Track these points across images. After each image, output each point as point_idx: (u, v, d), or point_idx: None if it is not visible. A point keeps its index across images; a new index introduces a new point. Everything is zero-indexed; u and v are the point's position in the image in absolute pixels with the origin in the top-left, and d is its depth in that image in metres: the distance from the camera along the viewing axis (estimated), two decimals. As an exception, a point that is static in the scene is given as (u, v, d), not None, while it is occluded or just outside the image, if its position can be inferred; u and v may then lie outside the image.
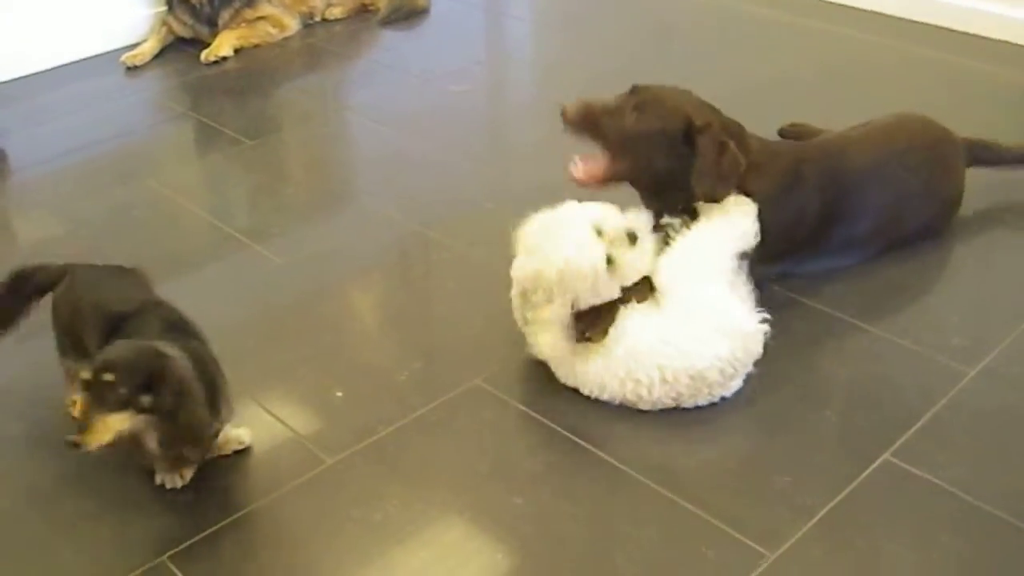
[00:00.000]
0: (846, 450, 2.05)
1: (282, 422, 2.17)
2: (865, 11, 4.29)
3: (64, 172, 3.29)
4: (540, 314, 2.15)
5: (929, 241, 2.66)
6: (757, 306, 2.16)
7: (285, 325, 2.49)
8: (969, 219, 2.75)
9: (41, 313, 2.16)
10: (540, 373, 2.22)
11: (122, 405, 1.77)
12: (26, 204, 3.16)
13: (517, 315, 2.26)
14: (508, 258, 2.58)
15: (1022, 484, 1.97)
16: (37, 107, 3.76)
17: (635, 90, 2.36)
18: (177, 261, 2.70)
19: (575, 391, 2.18)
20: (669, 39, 4.17)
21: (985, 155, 2.79)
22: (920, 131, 2.67)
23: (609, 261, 2.10)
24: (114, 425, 1.77)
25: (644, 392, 2.09)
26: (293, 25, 4.29)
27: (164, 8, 4.20)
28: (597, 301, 2.13)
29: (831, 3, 4.39)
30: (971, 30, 4.04)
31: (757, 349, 2.13)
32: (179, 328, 1.99)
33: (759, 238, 2.26)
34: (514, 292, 2.24)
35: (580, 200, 2.20)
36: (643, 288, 2.15)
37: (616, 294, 2.14)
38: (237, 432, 2.07)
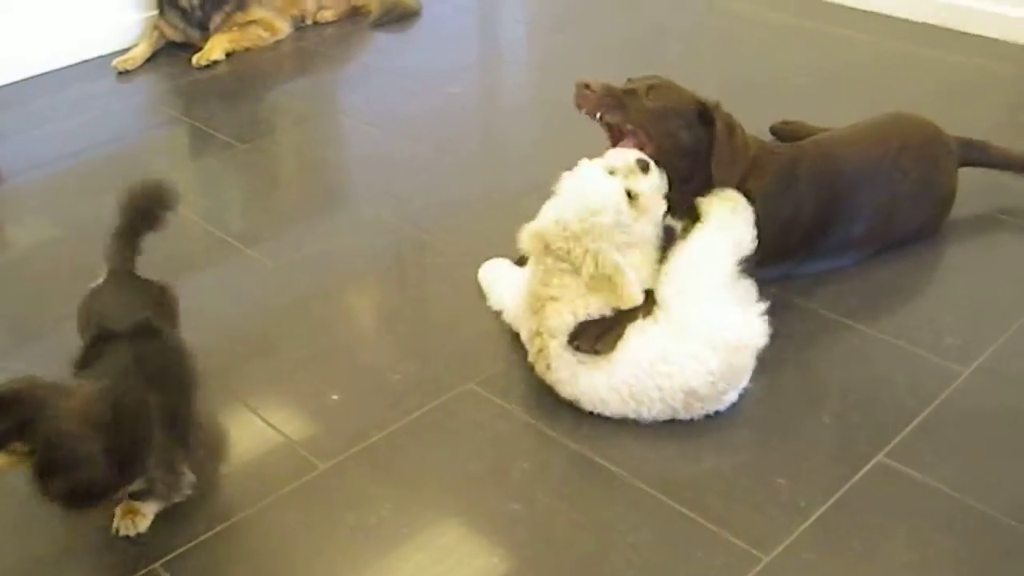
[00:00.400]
0: (841, 452, 2.05)
1: (275, 428, 2.16)
2: (860, 10, 4.29)
3: (57, 177, 3.29)
4: (563, 286, 2.12)
5: (923, 241, 2.67)
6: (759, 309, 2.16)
7: (279, 329, 2.48)
8: (962, 219, 2.75)
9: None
10: (535, 378, 2.22)
11: None
12: (20, 209, 3.16)
13: (525, 334, 2.25)
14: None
15: (1015, 483, 1.97)
16: (30, 112, 3.76)
17: (634, 80, 2.38)
18: (170, 265, 2.67)
19: (571, 397, 2.18)
20: (663, 40, 4.16)
21: (977, 156, 2.79)
22: (913, 131, 2.67)
23: (629, 195, 2.11)
24: None
25: (644, 411, 2.09)
26: (284, 28, 4.29)
27: (155, 12, 4.20)
28: (628, 246, 2.12)
29: (825, 3, 4.39)
30: (967, 28, 4.04)
31: (749, 364, 2.12)
32: (150, 366, 1.83)
33: (757, 242, 2.27)
34: (526, 290, 2.21)
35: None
36: (648, 304, 2.14)
37: (648, 235, 2.16)
38: (140, 511, 1.90)
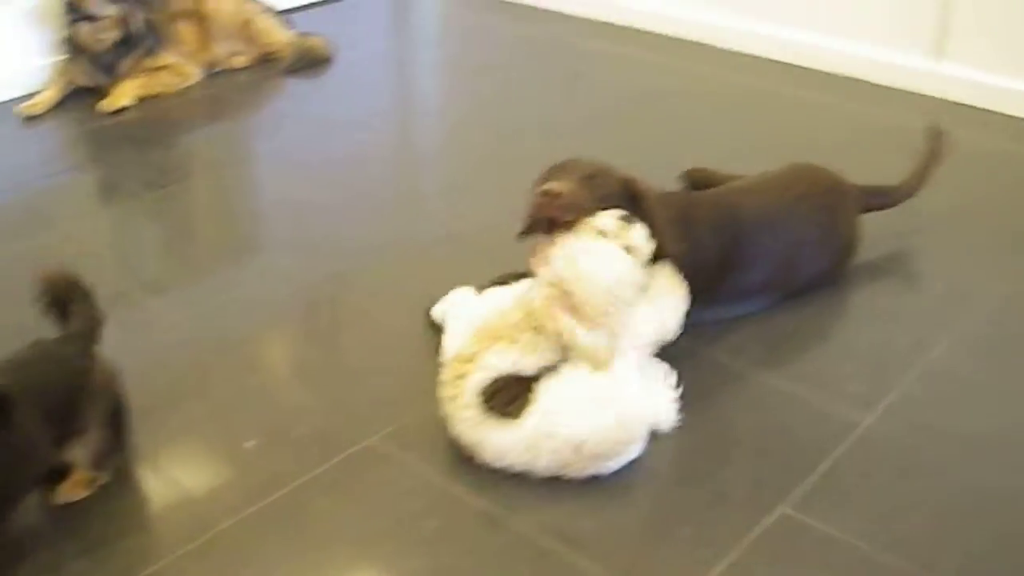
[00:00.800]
0: (745, 503, 2.05)
1: (176, 483, 2.12)
2: (762, 59, 4.38)
3: (-44, 227, 3.22)
4: (527, 339, 2.11)
5: (826, 288, 2.70)
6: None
7: (184, 382, 2.44)
8: (865, 265, 2.80)
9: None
10: (441, 433, 2.19)
11: None
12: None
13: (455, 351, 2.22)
14: (413, 310, 2.59)
15: (919, 531, 1.99)
16: (-70, 159, 3.68)
17: (553, 166, 2.33)
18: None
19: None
20: (577, 87, 4.20)
21: (879, 201, 2.84)
22: (813, 179, 2.71)
23: (627, 250, 2.14)
24: None
25: (538, 463, 2.07)
26: (195, 74, 4.25)
27: (64, 56, 4.13)
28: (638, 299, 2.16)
29: (727, 51, 4.47)
30: (867, 77, 4.14)
31: (641, 431, 2.12)
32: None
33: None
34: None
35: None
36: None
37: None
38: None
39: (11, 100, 4.04)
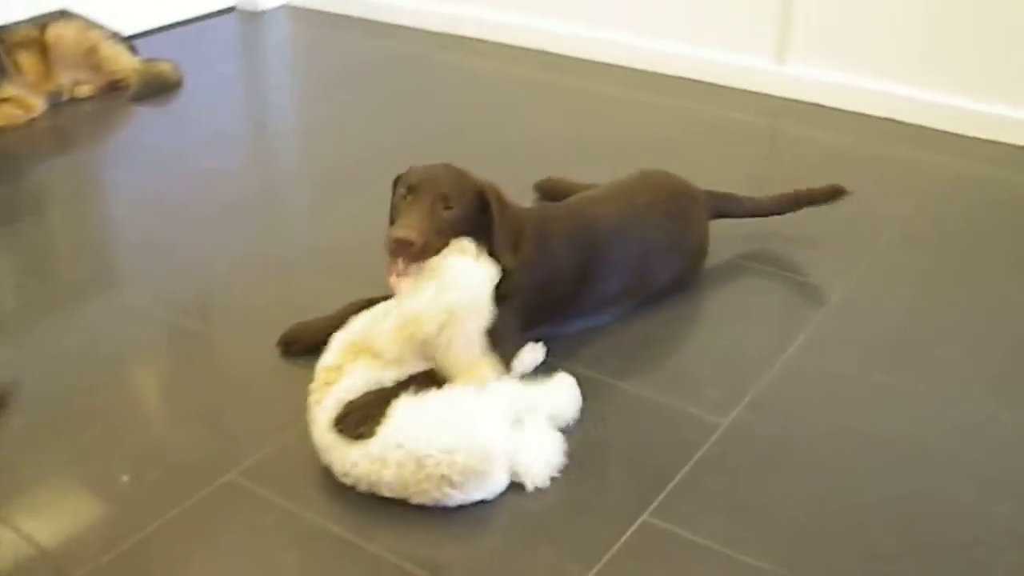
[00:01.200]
0: (606, 514, 2.06)
1: (25, 538, 2.04)
2: (612, 65, 4.43)
3: None
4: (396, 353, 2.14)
5: (680, 293, 2.74)
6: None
7: (28, 430, 2.35)
8: (716, 268, 2.85)
9: None
10: (299, 464, 2.17)
11: None
12: None
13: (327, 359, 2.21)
14: (270, 339, 2.55)
15: (779, 531, 2.02)
16: None
17: (411, 180, 2.31)
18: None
19: (335, 482, 2.11)
20: (429, 102, 4.20)
21: (727, 207, 2.90)
22: (661, 186, 2.75)
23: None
24: None
25: (383, 475, 2.03)
26: (39, 106, 4.13)
27: (-102, 92, 3.98)
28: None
29: (584, 60, 4.52)
30: (714, 80, 4.22)
31: (493, 468, 2.06)
32: None
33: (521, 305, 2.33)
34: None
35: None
36: (424, 380, 2.13)
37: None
38: None
39: None
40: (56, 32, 4.24)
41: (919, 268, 2.95)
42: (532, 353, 2.44)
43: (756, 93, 4.14)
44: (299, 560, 1.98)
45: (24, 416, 2.39)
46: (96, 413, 2.41)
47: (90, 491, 2.16)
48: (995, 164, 3.62)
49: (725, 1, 4.18)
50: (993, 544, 1.99)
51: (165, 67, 4.39)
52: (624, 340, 2.59)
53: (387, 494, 2.06)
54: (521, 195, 3.11)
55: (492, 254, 2.28)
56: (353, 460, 2.06)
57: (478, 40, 4.82)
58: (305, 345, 2.45)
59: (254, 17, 5.32)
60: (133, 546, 2.01)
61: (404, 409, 2.05)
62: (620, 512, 2.06)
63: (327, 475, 2.12)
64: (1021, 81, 3.68)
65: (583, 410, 2.32)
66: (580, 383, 2.38)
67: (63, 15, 4.33)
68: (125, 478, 2.18)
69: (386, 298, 2.30)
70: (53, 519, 2.11)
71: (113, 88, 4.32)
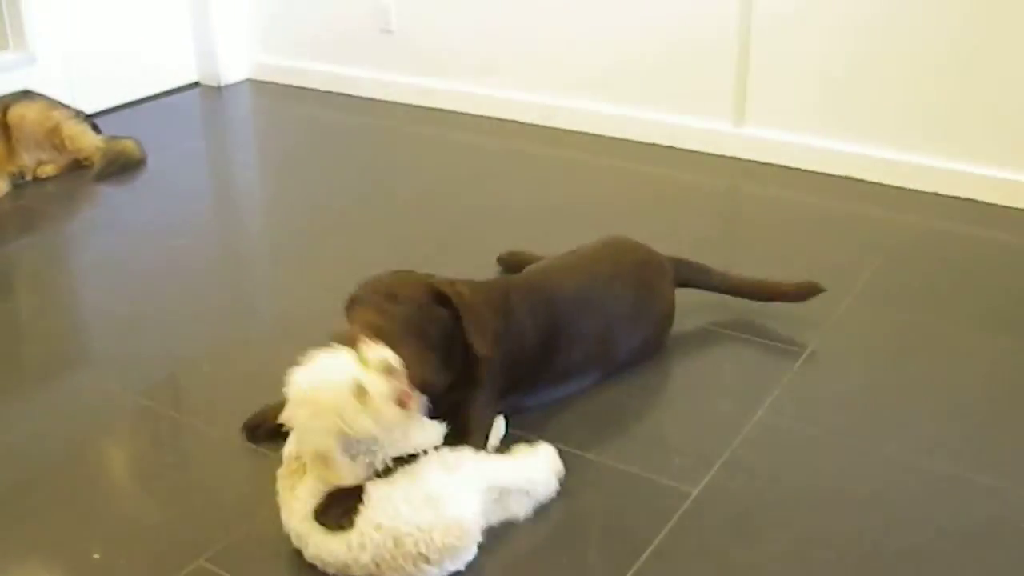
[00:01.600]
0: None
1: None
2: (580, 133, 4.48)
3: None
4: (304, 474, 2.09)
5: (646, 361, 2.75)
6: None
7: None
8: (683, 335, 2.86)
9: None
10: (267, 549, 2.14)
11: None
12: None
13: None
14: (232, 425, 2.53)
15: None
16: None
17: (354, 294, 2.32)
18: None
19: (304, 566, 2.08)
20: (395, 173, 4.22)
21: (693, 276, 2.91)
22: (625, 254, 2.77)
23: (360, 389, 2.03)
24: None
25: (361, 558, 2.01)
26: (2, 187, 4.10)
27: None
28: (354, 442, 2.05)
29: (549, 128, 4.56)
30: (683, 145, 4.27)
31: (467, 542, 2.05)
32: None
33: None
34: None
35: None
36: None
37: (371, 431, 2.05)
38: None
39: None
40: (18, 112, 4.24)
41: (885, 327, 2.97)
42: (494, 427, 2.43)
43: (717, 155, 4.19)
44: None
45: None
46: (62, 498, 2.38)
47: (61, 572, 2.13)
48: (956, 220, 3.67)
49: (683, 67, 4.23)
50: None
51: (128, 145, 4.39)
52: (591, 410, 2.58)
53: (359, 575, 2.04)
54: (487, 261, 3.15)
55: (467, 343, 2.30)
56: (332, 550, 2.03)
57: (443, 111, 4.85)
58: (269, 430, 2.41)
59: (217, 92, 5.35)
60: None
61: (379, 491, 2.04)
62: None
63: (294, 560, 2.10)
64: (981, 137, 3.74)
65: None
66: (550, 456, 2.39)
67: (25, 95, 4.33)
68: (96, 556, 2.16)
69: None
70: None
71: (76, 168, 4.31)
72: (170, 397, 2.74)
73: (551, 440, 2.43)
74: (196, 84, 5.42)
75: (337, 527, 2.03)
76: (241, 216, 4.14)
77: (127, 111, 5.01)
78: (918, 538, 2.16)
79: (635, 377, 2.70)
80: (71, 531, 2.26)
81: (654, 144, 4.31)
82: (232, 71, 5.42)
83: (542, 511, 2.24)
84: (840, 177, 3.97)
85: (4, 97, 4.29)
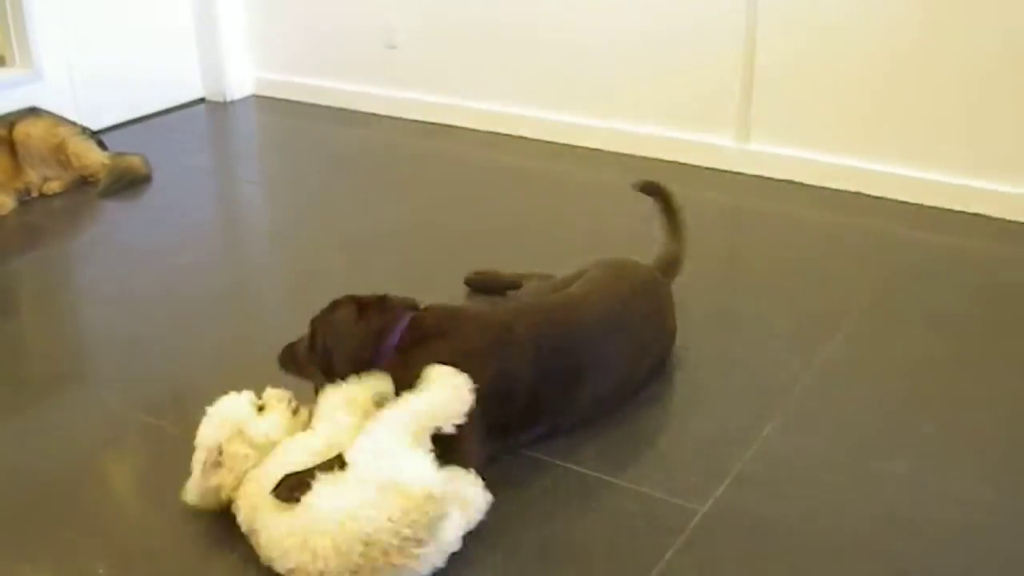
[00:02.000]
0: (586, 609, 2.04)
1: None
2: (584, 148, 4.48)
3: None
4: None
5: (656, 377, 2.73)
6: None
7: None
8: (685, 352, 2.85)
9: None
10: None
11: None
12: None
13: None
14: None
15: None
16: None
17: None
18: None
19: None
20: (400, 190, 4.22)
21: (673, 271, 2.93)
22: (633, 275, 2.74)
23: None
24: None
25: (321, 564, 1.96)
26: (8, 203, 4.11)
27: None
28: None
29: (557, 144, 4.56)
30: (689, 160, 4.27)
31: (440, 512, 1.99)
32: None
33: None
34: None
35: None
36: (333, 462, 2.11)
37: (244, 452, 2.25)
38: None
39: None
40: (24, 130, 4.24)
41: (893, 343, 2.96)
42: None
43: (722, 171, 4.19)
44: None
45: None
46: (67, 514, 2.37)
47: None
48: (961, 235, 3.66)
49: (688, 83, 4.23)
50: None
51: (134, 161, 4.40)
52: (601, 430, 2.55)
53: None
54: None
55: None
56: (284, 549, 2.02)
57: (449, 126, 4.85)
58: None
59: (223, 108, 5.36)
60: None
61: (325, 494, 2.03)
62: (601, 606, 2.04)
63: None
64: (991, 153, 3.73)
65: (560, 503, 2.31)
66: (554, 475, 2.37)
67: (32, 112, 4.34)
68: (101, 571, 2.16)
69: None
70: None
71: (82, 184, 4.31)
72: (174, 414, 2.72)
73: (559, 459, 2.43)
74: (202, 100, 5.43)
75: (292, 499, 2.05)
76: (246, 233, 4.14)
77: (133, 127, 5.02)
78: (932, 561, 2.15)
79: (643, 394, 2.68)
80: (76, 547, 2.26)
81: (660, 159, 4.30)
82: (238, 87, 5.43)
83: (553, 529, 2.23)
84: (840, 191, 3.97)
85: (10, 114, 4.30)
